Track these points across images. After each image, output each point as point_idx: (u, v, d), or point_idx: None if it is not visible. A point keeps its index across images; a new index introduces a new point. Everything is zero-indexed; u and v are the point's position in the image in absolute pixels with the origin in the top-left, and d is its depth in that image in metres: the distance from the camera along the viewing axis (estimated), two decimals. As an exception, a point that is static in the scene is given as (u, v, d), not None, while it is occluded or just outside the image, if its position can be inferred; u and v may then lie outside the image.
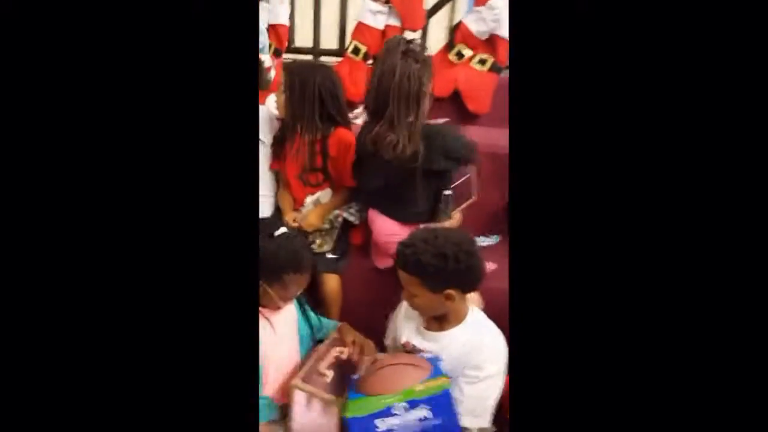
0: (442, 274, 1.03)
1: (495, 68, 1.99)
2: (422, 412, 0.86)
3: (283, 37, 2.08)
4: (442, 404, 0.88)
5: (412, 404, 0.87)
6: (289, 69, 1.53)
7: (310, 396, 1.08)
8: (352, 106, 2.09)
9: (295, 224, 1.56)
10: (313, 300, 1.52)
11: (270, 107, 1.69)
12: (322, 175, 1.59)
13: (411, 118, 1.34)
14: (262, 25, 1.92)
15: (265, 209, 1.66)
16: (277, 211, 1.68)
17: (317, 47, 2.29)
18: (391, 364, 1.00)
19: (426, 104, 1.37)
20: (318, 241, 1.57)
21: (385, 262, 1.57)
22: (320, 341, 1.29)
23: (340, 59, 2.13)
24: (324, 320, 1.39)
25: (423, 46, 1.40)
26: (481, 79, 2.00)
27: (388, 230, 1.50)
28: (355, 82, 2.07)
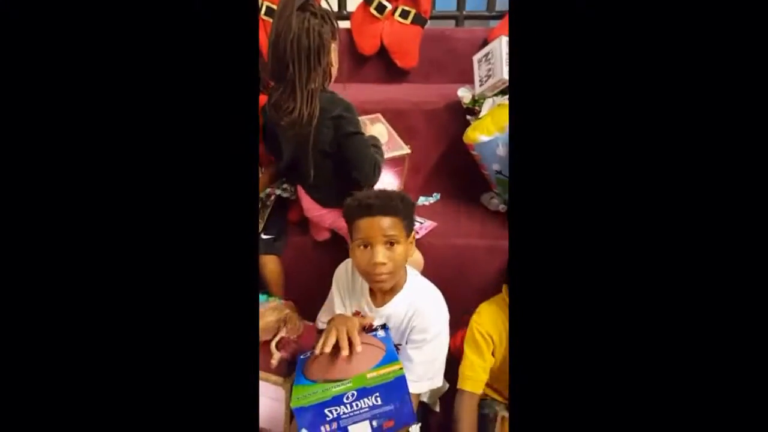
0: (407, 211, 1.03)
1: (418, 20, 1.91)
2: (373, 400, 0.83)
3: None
4: (395, 391, 0.84)
5: (362, 393, 0.83)
6: None
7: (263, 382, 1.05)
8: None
9: None
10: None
11: None
12: None
13: (314, 84, 1.19)
14: None
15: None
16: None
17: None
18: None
19: (329, 64, 1.22)
20: None
21: (323, 235, 1.52)
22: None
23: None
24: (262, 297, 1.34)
25: None
26: (406, 33, 1.92)
27: (316, 209, 1.42)
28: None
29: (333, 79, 1.28)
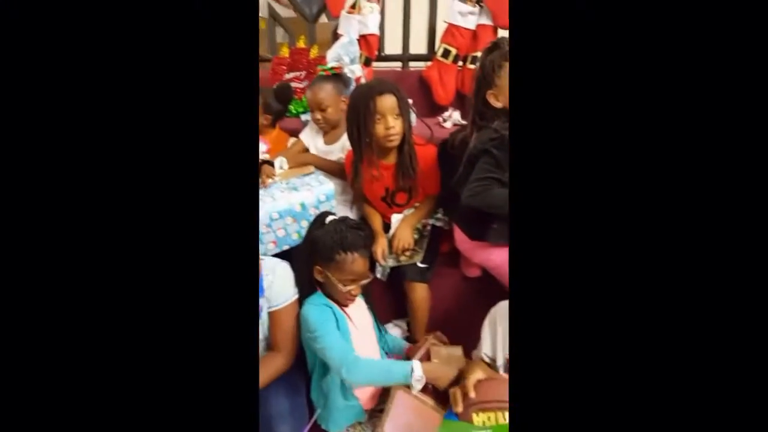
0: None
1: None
2: None
3: (373, 46, 2.16)
4: None
5: None
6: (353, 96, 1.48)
7: (414, 399, 1.08)
8: (441, 110, 2.09)
9: (391, 259, 1.47)
10: (402, 308, 1.53)
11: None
12: (407, 195, 1.53)
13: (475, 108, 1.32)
14: (353, 36, 2.04)
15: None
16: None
17: (406, 53, 2.34)
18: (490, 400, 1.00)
19: (488, 95, 1.30)
20: (407, 253, 1.48)
21: (473, 272, 1.56)
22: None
23: (428, 63, 2.18)
24: (389, 336, 1.42)
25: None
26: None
27: (466, 241, 1.44)
28: (445, 85, 2.10)
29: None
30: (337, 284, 1.19)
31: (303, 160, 1.66)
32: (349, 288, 1.20)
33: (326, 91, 1.66)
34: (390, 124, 1.38)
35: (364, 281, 1.23)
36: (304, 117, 2.14)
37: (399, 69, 2.38)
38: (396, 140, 1.41)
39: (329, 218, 1.27)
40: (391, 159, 1.49)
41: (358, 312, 1.29)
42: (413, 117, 1.59)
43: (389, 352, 1.37)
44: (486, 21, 2.06)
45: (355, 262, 1.19)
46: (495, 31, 2.08)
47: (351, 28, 2.13)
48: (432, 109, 2.17)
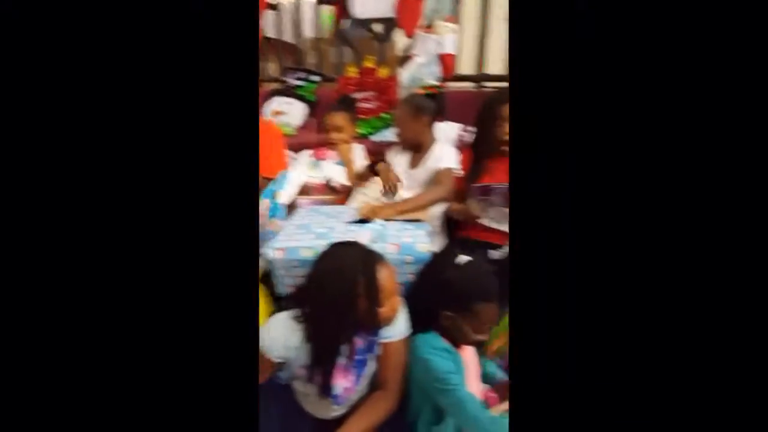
0: None
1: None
2: None
3: (449, 66, 2.15)
4: None
5: None
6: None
7: None
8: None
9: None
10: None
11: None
12: None
13: None
14: (433, 55, 2.06)
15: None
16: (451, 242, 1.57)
17: (482, 73, 2.37)
18: None
19: None
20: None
21: None
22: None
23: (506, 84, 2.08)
24: (489, 365, 1.28)
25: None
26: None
27: None
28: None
29: None
30: (470, 334, 1.06)
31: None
32: (481, 338, 1.08)
33: (415, 110, 1.63)
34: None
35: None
36: (375, 137, 2.11)
37: (472, 89, 2.33)
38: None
39: (462, 259, 1.10)
40: None
41: (470, 351, 1.17)
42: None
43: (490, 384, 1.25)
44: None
45: (493, 311, 1.06)
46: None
47: (427, 47, 2.08)
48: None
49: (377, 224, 1.28)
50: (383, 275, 0.98)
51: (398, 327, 1.07)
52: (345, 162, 1.79)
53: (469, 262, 1.09)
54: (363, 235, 1.17)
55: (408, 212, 1.36)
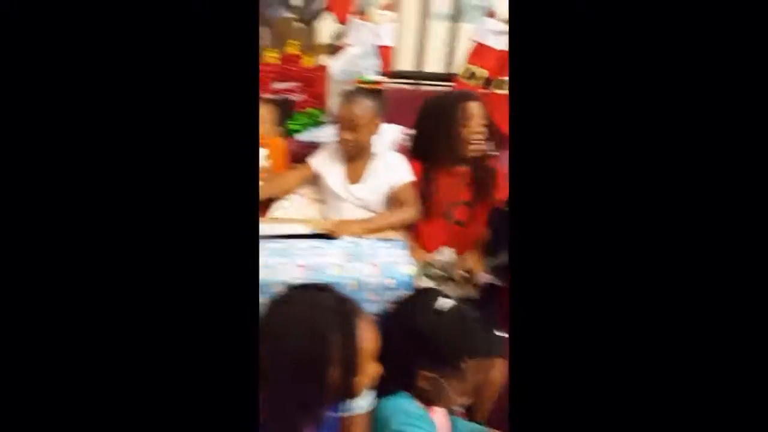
0: None
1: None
2: None
3: (386, 59, 1.92)
4: None
5: None
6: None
7: None
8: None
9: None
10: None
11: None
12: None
13: None
14: (372, 46, 1.84)
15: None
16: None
17: (421, 71, 2.18)
18: None
19: None
20: None
21: None
22: None
23: (450, 84, 2.00)
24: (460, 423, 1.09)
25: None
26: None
27: None
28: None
29: None
30: (453, 397, 0.86)
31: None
32: (465, 401, 0.89)
33: (364, 108, 1.35)
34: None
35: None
36: (300, 137, 1.83)
37: (410, 88, 2.15)
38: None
39: (444, 303, 0.89)
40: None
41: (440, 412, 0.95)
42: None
43: None
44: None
45: (483, 368, 0.89)
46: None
47: (363, 37, 1.85)
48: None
49: (346, 241, 1.14)
50: (365, 335, 0.73)
51: (365, 396, 0.82)
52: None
53: (453, 307, 0.89)
54: (336, 254, 1.04)
55: (375, 232, 1.25)
